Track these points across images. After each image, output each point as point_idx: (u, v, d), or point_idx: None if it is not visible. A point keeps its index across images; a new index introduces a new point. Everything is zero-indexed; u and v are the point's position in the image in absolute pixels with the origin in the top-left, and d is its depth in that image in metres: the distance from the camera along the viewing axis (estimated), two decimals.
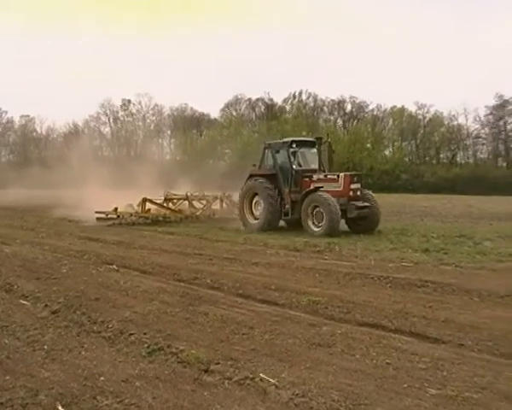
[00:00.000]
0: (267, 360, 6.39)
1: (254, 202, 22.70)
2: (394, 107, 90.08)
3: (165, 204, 27.93)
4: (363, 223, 20.56)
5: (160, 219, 26.57)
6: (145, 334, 7.44)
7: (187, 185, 31.85)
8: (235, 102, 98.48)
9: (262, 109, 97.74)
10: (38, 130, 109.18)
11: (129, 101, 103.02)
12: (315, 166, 22.64)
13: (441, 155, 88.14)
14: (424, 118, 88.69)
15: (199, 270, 12.58)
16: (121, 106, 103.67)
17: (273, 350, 6.79)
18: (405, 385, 5.64)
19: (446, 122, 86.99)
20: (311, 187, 20.86)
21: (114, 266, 13.11)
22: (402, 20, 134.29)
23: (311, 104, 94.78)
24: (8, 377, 6.00)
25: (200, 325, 8.05)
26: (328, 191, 20.08)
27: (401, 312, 8.67)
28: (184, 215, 27.67)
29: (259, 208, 22.28)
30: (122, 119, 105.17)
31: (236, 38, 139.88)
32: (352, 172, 22.19)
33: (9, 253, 15.76)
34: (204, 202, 29.41)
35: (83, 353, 6.82)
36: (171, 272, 12.45)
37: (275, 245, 17.07)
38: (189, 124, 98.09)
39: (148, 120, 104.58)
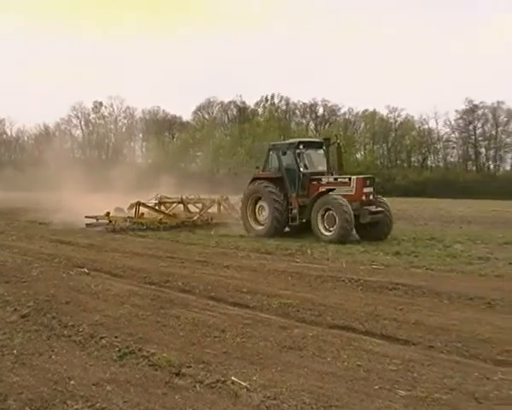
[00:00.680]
0: (238, 363, 6.39)
1: (258, 206, 21.47)
2: (366, 110, 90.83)
3: (157, 208, 26.06)
4: (374, 229, 19.29)
5: (157, 224, 24.35)
6: (116, 337, 7.39)
7: (166, 188, 30.54)
8: (208, 104, 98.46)
9: (234, 112, 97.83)
10: (8, 132, 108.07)
11: (100, 103, 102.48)
12: (322, 168, 21.45)
13: (412, 159, 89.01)
14: (395, 121, 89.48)
15: (170, 273, 12.54)
16: (93, 108, 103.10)
17: (244, 353, 6.79)
18: (376, 387, 5.68)
19: (417, 126, 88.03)
20: (320, 190, 19.75)
21: (85, 270, 13.00)
22: (373, 24, 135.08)
23: (284, 107, 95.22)
24: None
25: (172, 328, 8.02)
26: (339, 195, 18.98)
27: (372, 314, 8.71)
28: (180, 220, 25.62)
29: (264, 213, 21.11)
30: (94, 121, 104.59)
31: (207, 41, 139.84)
32: (365, 175, 20.75)
33: None
34: (200, 205, 27.56)
35: (53, 357, 6.75)
36: (142, 275, 12.39)
37: (246, 248, 17.09)
38: (161, 127, 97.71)
39: (120, 123, 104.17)
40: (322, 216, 19.00)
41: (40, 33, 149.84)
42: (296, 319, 8.52)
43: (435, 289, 10.48)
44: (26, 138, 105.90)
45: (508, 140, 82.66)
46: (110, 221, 24.20)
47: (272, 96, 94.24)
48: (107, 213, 24.09)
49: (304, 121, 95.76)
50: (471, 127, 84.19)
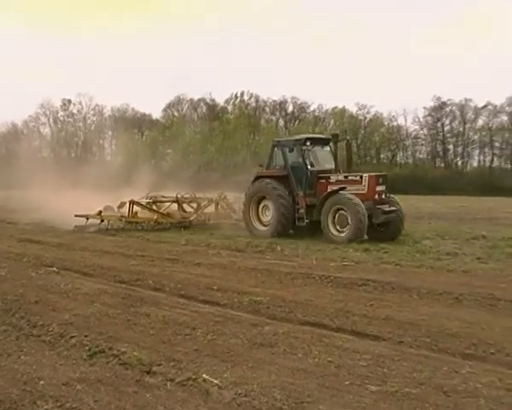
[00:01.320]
0: (210, 361, 6.38)
1: (262, 206, 20.46)
2: (335, 107, 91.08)
3: (150, 207, 24.47)
4: (385, 229, 18.44)
5: (153, 224, 23.29)
6: (86, 337, 7.34)
7: (139, 186, 29.27)
8: (177, 102, 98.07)
9: (204, 110, 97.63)
10: None
11: (69, 101, 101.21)
12: (329, 166, 20.38)
13: (382, 155, 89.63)
14: (365, 118, 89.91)
15: (141, 271, 12.50)
16: (61, 106, 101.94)
17: (215, 351, 6.78)
18: (347, 382, 5.71)
19: (386, 123, 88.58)
20: (329, 189, 18.81)
21: (55, 269, 12.89)
22: (342, 21, 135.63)
23: (253, 105, 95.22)
24: None
25: (142, 326, 7.99)
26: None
27: (342, 310, 8.77)
28: (177, 220, 24.14)
29: (268, 213, 20.15)
30: (62, 119, 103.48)
31: (177, 38, 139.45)
32: (378, 173, 19.89)
33: None
34: (194, 204, 25.92)
35: (22, 357, 6.68)
36: (112, 273, 12.33)
37: (217, 245, 17.07)
38: (130, 124, 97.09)
39: (89, 121, 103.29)
40: (333, 216, 18.11)
41: (5, 31, 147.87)
42: (267, 316, 8.54)
43: (405, 285, 10.58)
44: None
45: (475, 137, 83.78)
46: (102, 220, 23.07)
47: (242, 94, 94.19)
48: (99, 212, 23.19)
49: (273, 118, 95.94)
50: (439, 124, 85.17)
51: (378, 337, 7.34)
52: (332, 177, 19.46)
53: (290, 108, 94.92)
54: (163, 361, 6.34)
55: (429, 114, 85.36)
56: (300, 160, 19.84)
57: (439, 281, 11.15)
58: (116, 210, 24.51)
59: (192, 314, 8.67)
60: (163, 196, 26.40)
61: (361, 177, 18.66)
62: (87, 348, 6.88)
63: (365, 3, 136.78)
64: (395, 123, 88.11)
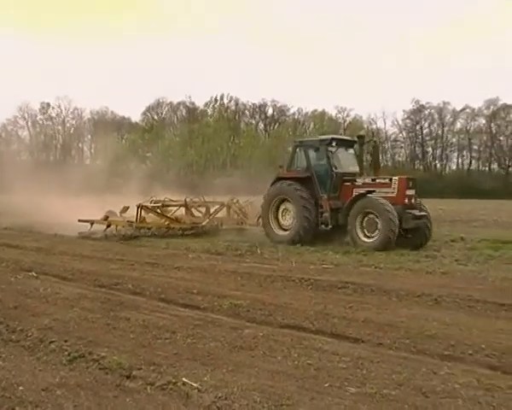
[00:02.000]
0: (190, 364, 6.38)
1: (282, 209, 19.53)
2: (315, 111, 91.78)
3: (161, 211, 23.07)
4: (412, 236, 17.60)
5: (165, 229, 22.22)
6: (66, 341, 7.29)
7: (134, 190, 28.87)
8: (157, 105, 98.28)
9: (184, 113, 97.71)
10: None
11: (48, 104, 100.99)
12: (353, 168, 19.62)
13: None
14: (344, 121, 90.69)
15: (120, 275, 12.45)
16: (40, 109, 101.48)
17: (195, 354, 6.78)
18: (326, 385, 5.74)
19: (366, 126, 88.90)
20: (355, 192, 18.11)
21: (33, 273, 12.78)
22: (321, 26, 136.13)
23: (233, 108, 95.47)
24: None
25: (122, 330, 7.96)
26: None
27: (322, 313, 8.81)
28: (189, 225, 22.69)
29: (288, 217, 19.20)
30: (41, 122, 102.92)
31: (155, 41, 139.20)
32: (408, 176, 18.64)
33: None
34: (203, 209, 24.84)
35: (1, 363, 6.60)
36: (91, 277, 12.25)
37: (197, 249, 17.07)
38: (109, 128, 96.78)
39: (68, 124, 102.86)
40: (361, 221, 17.32)
41: None
42: (247, 320, 8.55)
43: (384, 287, 10.66)
44: None
45: (453, 140, 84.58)
46: (108, 226, 22.09)
47: (222, 97, 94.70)
48: (106, 218, 22.49)
49: (253, 121, 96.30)
50: (418, 127, 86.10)
51: (357, 339, 7.38)
52: (358, 179, 18.77)
53: (270, 112, 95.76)
54: (143, 365, 6.32)
55: (408, 117, 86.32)
56: (325, 161, 18.99)
57: (418, 283, 11.27)
58: (119, 215, 23.30)
59: (172, 318, 8.65)
60: (171, 200, 25.40)
61: (390, 179, 17.95)
62: (67, 352, 6.83)
63: (343, 7, 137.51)
64: (374, 126, 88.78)
